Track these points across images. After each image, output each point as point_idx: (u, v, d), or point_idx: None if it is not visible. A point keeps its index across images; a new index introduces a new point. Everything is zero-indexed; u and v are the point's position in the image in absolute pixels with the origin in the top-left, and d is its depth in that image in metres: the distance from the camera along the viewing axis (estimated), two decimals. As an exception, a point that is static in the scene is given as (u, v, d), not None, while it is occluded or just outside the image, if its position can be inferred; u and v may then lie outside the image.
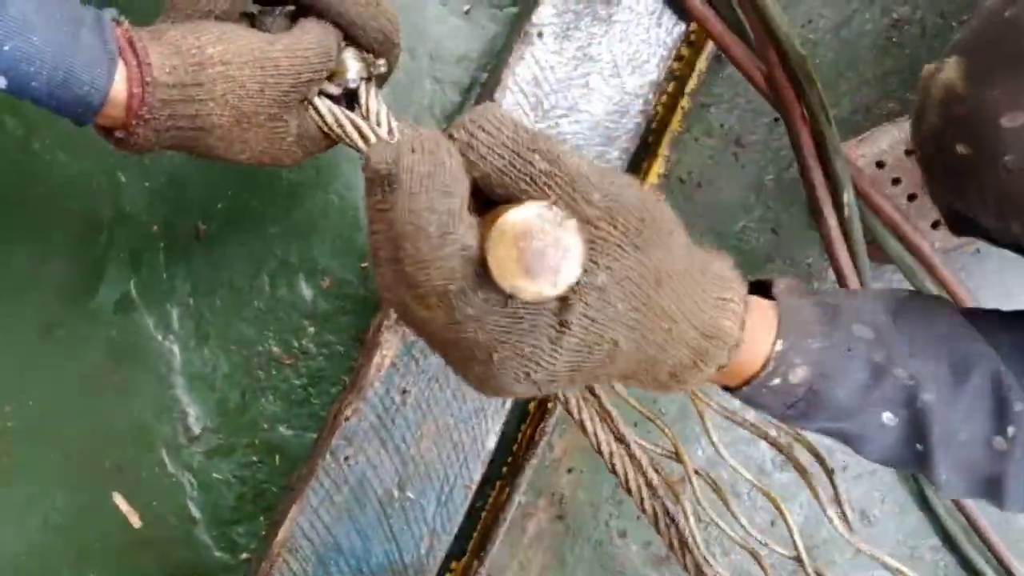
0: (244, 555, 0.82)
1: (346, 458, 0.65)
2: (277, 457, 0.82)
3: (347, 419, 0.65)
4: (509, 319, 0.40)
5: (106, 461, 0.80)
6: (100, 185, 0.82)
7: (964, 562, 0.91)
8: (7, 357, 0.80)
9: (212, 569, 0.82)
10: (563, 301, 0.41)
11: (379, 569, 0.65)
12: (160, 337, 0.83)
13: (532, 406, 0.73)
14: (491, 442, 0.66)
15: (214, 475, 0.82)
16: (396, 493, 0.65)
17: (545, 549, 0.86)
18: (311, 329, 0.83)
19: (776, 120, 0.91)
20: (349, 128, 0.64)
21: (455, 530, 0.66)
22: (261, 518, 0.81)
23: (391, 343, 0.66)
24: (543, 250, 0.38)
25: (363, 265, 0.86)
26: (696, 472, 0.75)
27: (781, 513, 0.78)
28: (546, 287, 0.38)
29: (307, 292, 0.84)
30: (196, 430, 0.81)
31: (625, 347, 0.43)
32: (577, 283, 0.40)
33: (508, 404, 0.66)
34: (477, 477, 0.66)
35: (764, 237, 0.91)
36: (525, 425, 0.71)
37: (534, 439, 0.72)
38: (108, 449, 0.80)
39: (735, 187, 0.91)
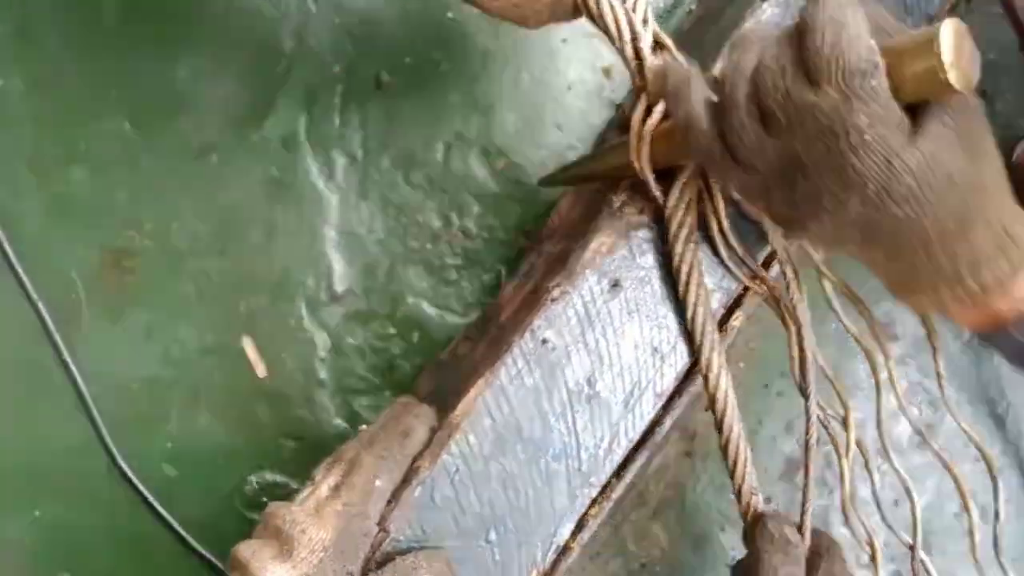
0: (363, 427, 0.77)
1: (544, 340, 0.59)
2: (416, 334, 0.74)
3: (553, 300, 0.60)
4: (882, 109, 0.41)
5: (241, 303, 0.71)
6: (288, 10, 0.71)
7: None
8: (155, 173, 0.70)
9: (328, 436, 0.73)
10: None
11: (555, 460, 0.60)
12: (321, 184, 0.73)
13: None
14: (688, 356, 0.61)
15: (349, 340, 0.73)
16: (586, 388, 0.60)
17: (668, 483, 0.81)
18: (476, 209, 0.74)
19: (983, 93, 0.86)
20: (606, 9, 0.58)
21: (637, 437, 0.61)
22: (388, 393, 0.73)
23: (611, 230, 0.60)
24: (972, 50, 0.41)
25: (542, 153, 0.79)
26: (857, 443, 0.72)
27: (910, 498, 0.74)
28: (962, 81, 0.40)
29: (479, 170, 0.75)
30: (339, 289, 0.73)
31: (954, 187, 0.43)
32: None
33: (714, 322, 0.61)
34: (670, 387, 0.61)
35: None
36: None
37: (697, 364, 0.68)
38: (245, 291, 0.71)
39: None
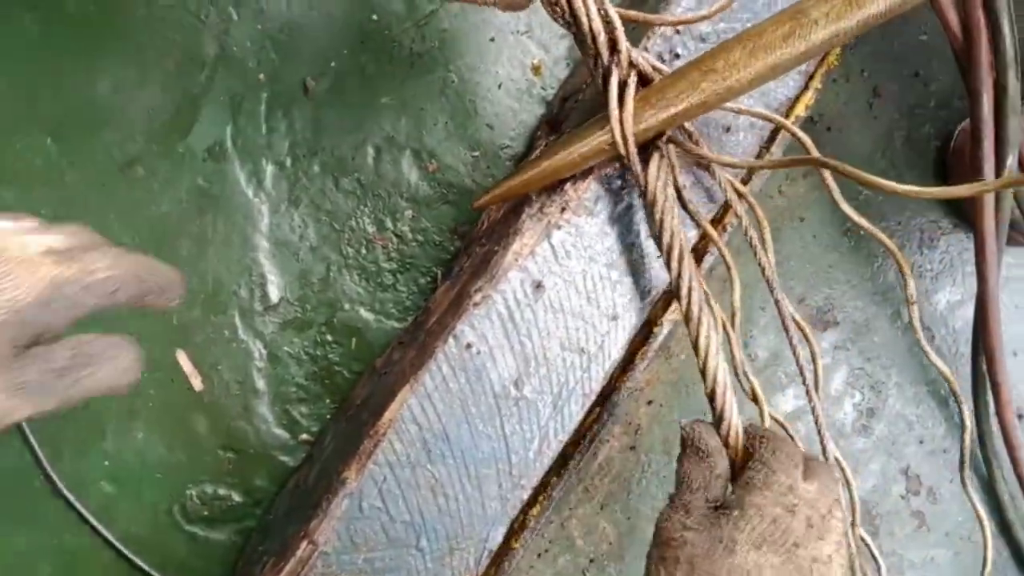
0: (303, 436, 0.74)
1: (468, 345, 0.58)
2: (354, 340, 0.72)
3: (475, 305, 0.58)
4: None
5: (174, 316, 0.69)
6: (209, 17, 0.69)
7: (1017, 553, 0.89)
8: (80, 188, 0.68)
9: (268, 445, 0.73)
10: None
11: (484, 465, 0.59)
12: (250, 193, 0.70)
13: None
14: (616, 354, 0.60)
15: (285, 349, 0.71)
16: (513, 391, 0.59)
17: (612, 477, 0.80)
18: (409, 213, 0.73)
19: (917, 75, 0.85)
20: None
21: (567, 438, 0.60)
22: (327, 400, 0.72)
23: (533, 232, 0.59)
24: None
25: (474, 154, 0.78)
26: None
27: (847, 482, 0.73)
28: None
29: (411, 173, 0.73)
30: (274, 298, 0.71)
31: None
32: None
33: (641, 317, 0.60)
34: (597, 387, 0.60)
35: (883, 194, 0.85)
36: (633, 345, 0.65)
37: (633, 361, 0.67)
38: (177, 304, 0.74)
39: (863, 138, 0.79)
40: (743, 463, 0.52)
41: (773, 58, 0.53)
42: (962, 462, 0.81)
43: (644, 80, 0.58)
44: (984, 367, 0.77)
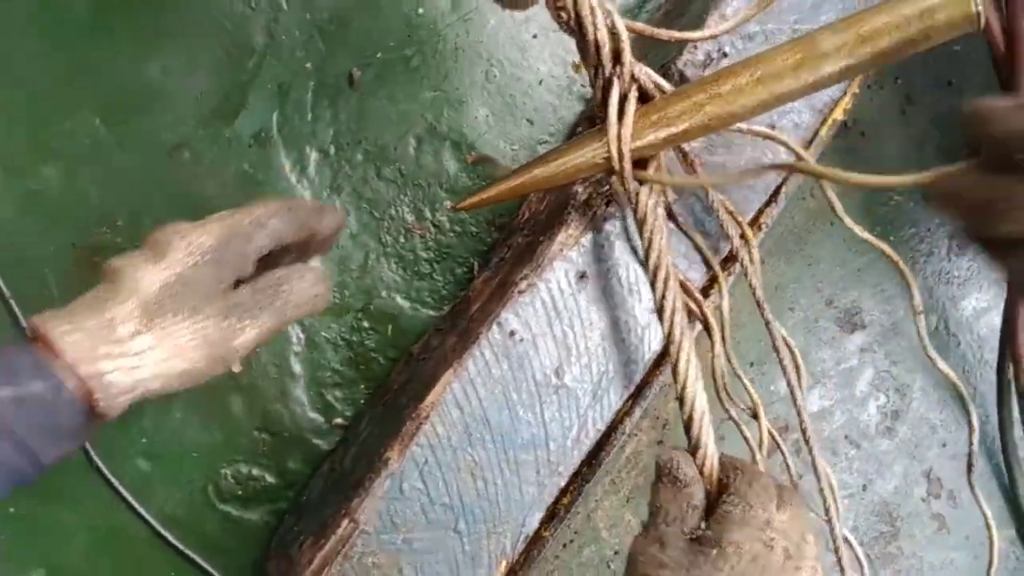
0: (338, 420, 0.75)
1: (511, 332, 0.59)
2: (390, 327, 0.73)
3: (520, 293, 0.59)
4: None
5: (214, 298, 0.74)
6: (260, 6, 0.70)
7: (1036, 559, 0.89)
8: (128, 170, 0.69)
9: (302, 429, 0.72)
10: None
11: (524, 451, 0.59)
12: (293, 179, 0.71)
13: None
14: (656, 346, 0.61)
15: (323, 334, 0.72)
16: (554, 379, 0.60)
17: (640, 470, 0.81)
18: (449, 203, 0.73)
19: (950, 84, 0.86)
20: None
21: (604, 427, 0.61)
22: (362, 386, 0.73)
23: (578, 223, 0.60)
24: None
25: (513, 148, 0.78)
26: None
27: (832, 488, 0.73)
28: None
29: (451, 164, 0.74)
30: (313, 283, 0.76)
31: None
32: None
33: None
34: (637, 379, 0.61)
35: (913, 201, 0.86)
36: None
37: (666, 356, 0.67)
38: None
39: (896, 144, 0.80)
40: (717, 494, 0.51)
41: (780, 88, 0.52)
42: (970, 465, 0.82)
43: (644, 96, 0.56)
44: (1010, 374, 0.77)
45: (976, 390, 0.84)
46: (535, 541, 0.64)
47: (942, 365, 0.76)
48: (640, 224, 0.54)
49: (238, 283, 0.50)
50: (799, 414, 0.63)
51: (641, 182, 0.56)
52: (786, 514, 0.50)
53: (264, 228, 0.51)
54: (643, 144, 0.54)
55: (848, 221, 0.64)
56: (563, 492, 0.64)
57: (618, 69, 0.55)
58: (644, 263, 0.55)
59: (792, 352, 0.64)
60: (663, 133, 0.54)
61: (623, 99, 0.55)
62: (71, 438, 0.47)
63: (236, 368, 0.70)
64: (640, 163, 0.56)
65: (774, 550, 0.48)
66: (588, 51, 0.55)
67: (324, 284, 0.53)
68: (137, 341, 0.47)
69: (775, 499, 0.50)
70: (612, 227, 0.59)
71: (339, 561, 0.56)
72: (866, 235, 0.64)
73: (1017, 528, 0.85)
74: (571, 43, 0.76)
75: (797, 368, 0.64)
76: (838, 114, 0.71)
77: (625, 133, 0.54)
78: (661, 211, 0.56)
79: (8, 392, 0.44)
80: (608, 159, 0.54)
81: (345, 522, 0.57)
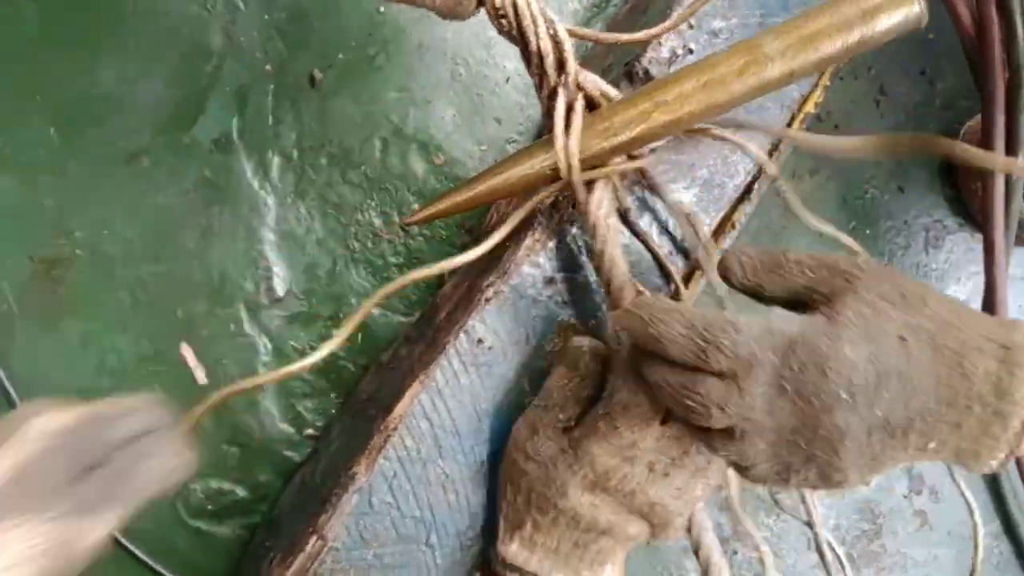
0: (308, 431, 0.74)
1: (479, 340, 0.58)
2: (360, 335, 0.71)
3: (487, 300, 0.58)
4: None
5: (178, 309, 0.68)
6: (215, 8, 0.68)
7: (1019, 551, 0.89)
8: (84, 179, 0.67)
9: (273, 440, 0.69)
10: None
11: (492, 461, 0.58)
12: (256, 185, 0.69)
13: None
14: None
15: (291, 343, 0.70)
16: (522, 387, 0.59)
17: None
18: (416, 206, 0.71)
19: (923, 73, 0.85)
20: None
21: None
22: (333, 395, 0.71)
23: (544, 227, 0.58)
24: None
25: (481, 148, 0.77)
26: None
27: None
28: None
29: (418, 166, 0.72)
30: (280, 292, 0.70)
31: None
32: None
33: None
34: (609, 385, 0.60)
35: (889, 193, 0.85)
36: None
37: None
38: (181, 297, 0.68)
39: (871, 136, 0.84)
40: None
41: (726, 93, 0.52)
42: None
43: (591, 104, 0.55)
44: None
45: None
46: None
47: None
48: (592, 234, 0.54)
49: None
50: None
51: (590, 189, 0.55)
52: (663, 438, 0.48)
53: (132, 417, 0.45)
54: (591, 154, 0.54)
55: (805, 216, 0.62)
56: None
57: (563, 78, 0.54)
58: (598, 271, 0.54)
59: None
60: (611, 141, 0.53)
61: (569, 108, 0.54)
62: None
63: (201, 380, 0.69)
64: (590, 171, 0.55)
65: (635, 464, 0.47)
66: (531, 60, 0.54)
67: (184, 453, 0.47)
68: None
69: (654, 420, 0.47)
70: (578, 231, 0.58)
71: (308, 579, 0.55)
72: (824, 227, 0.63)
73: (1001, 522, 0.84)
74: (538, 40, 0.75)
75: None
76: (809, 107, 0.69)
77: (572, 143, 0.53)
78: (613, 220, 0.55)
79: None
80: (556, 169, 0.53)
81: (313, 539, 0.55)
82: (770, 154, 0.65)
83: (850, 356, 0.40)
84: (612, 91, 0.55)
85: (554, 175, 0.54)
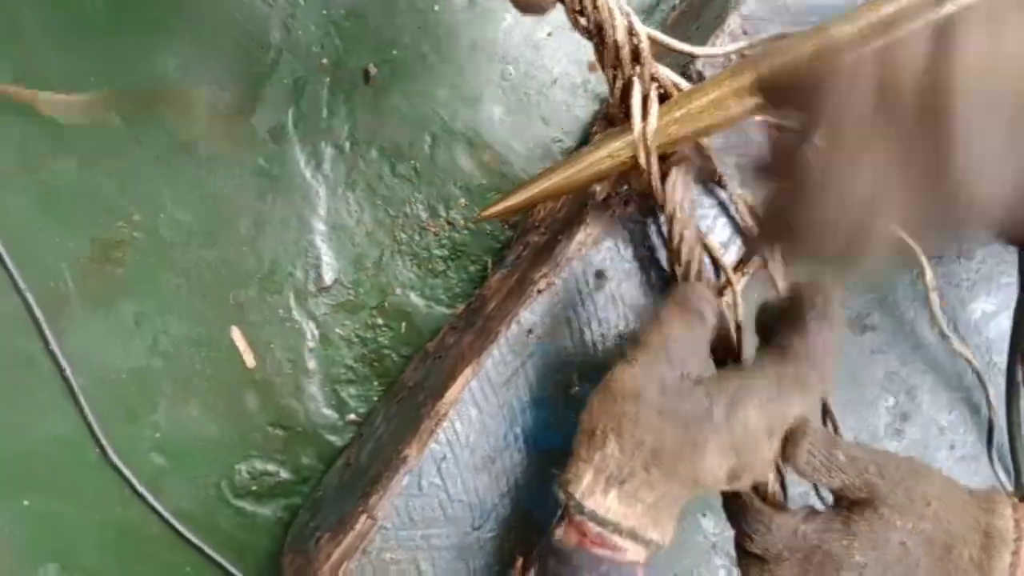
0: (351, 416, 0.75)
1: (529, 331, 0.59)
2: (403, 324, 0.73)
3: (539, 291, 0.60)
4: None
5: (229, 294, 0.70)
6: (277, 2, 0.70)
7: None
8: (143, 164, 0.69)
9: (316, 425, 0.72)
10: None
11: (537, 449, 0.60)
12: (309, 175, 0.72)
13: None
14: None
15: (337, 330, 0.72)
16: (573, 378, 0.60)
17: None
18: (463, 201, 0.74)
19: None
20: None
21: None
22: (375, 383, 0.73)
23: (596, 223, 0.60)
24: None
25: (528, 146, 0.78)
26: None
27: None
28: None
29: (466, 162, 0.74)
30: (327, 280, 0.72)
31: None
32: None
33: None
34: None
35: (923, 203, 0.86)
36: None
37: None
38: (233, 282, 0.71)
39: None
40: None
41: None
42: (990, 439, 0.83)
43: (664, 95, 0.56)
44: (1020, 376, 0.78)
45: (986, 392, 0.85)
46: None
47: (958, 345, 0.76)
48: (670, 220, 0.55)
49: None
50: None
51: (664, 178, 0.56)
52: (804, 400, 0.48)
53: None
54: (667, 141, 0.54)
55: None
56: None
57: (638, 69, 0.55)
58: (677, 258, 0.55)
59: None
60: (687, 128, 0.54)
61: (645, 98, 0.55)
62: None
63: (250, 363, 0.71)
64: (661, 160, 0.56)
65: (775, 432, 0.48)
66: (607, 53, 0.55)
67: None
68: None
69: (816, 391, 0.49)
70: (631, 226, 0.59)
71: (357, 557, 0.56)
72: None
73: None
74: (585, 42, 0.76)
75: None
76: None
77: (650, 130, 0.54)
78: (688, 206, 0.56)
79: None
80: (633, 158, 0.54)
81: (363, 518, 0.57)
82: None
83: (859, 560, 0.49)
84: (684, 83, 0.56)
85: (632, 163, 0.55)
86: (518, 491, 0.59)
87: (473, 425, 0.58)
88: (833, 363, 0.48)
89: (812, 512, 0.51)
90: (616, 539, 0.48)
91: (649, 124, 0.54)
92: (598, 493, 0.48)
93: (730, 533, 0.71)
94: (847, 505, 0.51)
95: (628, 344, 0.48)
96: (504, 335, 0.58)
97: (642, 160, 0.54)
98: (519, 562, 0.57)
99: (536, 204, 0.57)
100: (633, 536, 0.48)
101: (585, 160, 0.55)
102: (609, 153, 0.55)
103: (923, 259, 0.63)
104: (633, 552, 0.49)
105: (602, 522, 0.47)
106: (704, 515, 0.80)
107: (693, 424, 0.45)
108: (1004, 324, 0.83)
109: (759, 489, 0.53)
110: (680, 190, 0.54)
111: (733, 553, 0.61)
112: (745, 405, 0.46)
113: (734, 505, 0.52)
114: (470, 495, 0.58)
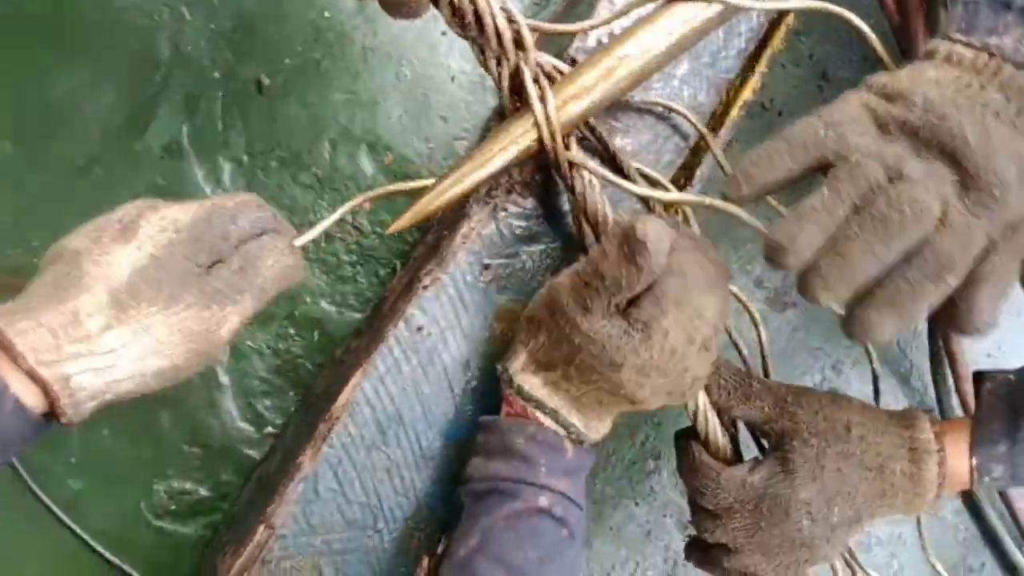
0: (269, 429, 0.74)
1: (419, 328, 0.59)
2: (316, 332, 0.73)
3: (425, 288, 0.59)
4: None
5: (135, 313, 0.74)
6: (162, 19, 0.70)
7: (982, 525, 0.89)
8: (41, 189, 0.69)
9: (233, 439, 0.71)
10: None
11: (437, 445, 0.59)
12: (208, 190, 0.70)
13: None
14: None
15: (248, 343, 0.71)
16: (463, 372, 0.60)
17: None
18: (367, 205, 0.73)
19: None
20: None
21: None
22: (291, 393, 0.72)
23: (479, 215, 0.60)
24: None
25: (429, 146, 0.79)
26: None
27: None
28: None
29: (367, 166, 0.74)
30: (235, 293, 0.75)
31: None
32: None
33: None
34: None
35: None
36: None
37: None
38: None
39: None
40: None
41: (686, 32, 0.55)
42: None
43: (549, 79, 0.56)
44: (940, 342, 0.77)
45: (912, 364, 0.85)
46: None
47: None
48: (581, 198, 0.55)
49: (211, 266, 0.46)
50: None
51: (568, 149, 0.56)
52: (715, 297, 0.50)
53: (247, 212, 0.48)
54: (569, 120, 0.55)
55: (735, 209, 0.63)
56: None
57: (522, 55, 0.55)
58: (593, 230, 0.55)
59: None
60: (582, 104, 0.55)
61: (535, 80, 0.55)
62: (14, 446, 0.42)
63: (221, 359, 0.69)
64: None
65: (694, 343, 0.49)
66: (489, 43, 0.55)
67: (296, 252, 0.50)
68: (108, 337, 0.42)
69: (717, 288, 0.50)
70: (514, 213, 0.59)
71: (257, 567, 0.56)
72: (773, 202, 0.63)
73: (963, 501, 0.85)
74: (480, 38, 0.76)
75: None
76: (747, 94, 0.71)
77: (551, 111, 0.54)
78: (597, 182, 0.56)
79: None
80: (538, 140, 0.55)
81: (261, 528, 0.56)
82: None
83: (804, 496, 0.52)
84: (564, 66, 0.57)
85: (537, 147, 0.55)
86: (419, 489, 0.59)
87: (368, 425, 0.57)
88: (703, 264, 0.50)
89: (757, 463, 0.54)
90: (538, 415, 0.52)
91: (548, 103, 0.54)
92: (528, 373, 0.52)
93: (666, 520, 0.73)
94: (776, 442, 0.54)
95: (578, 258, 0.51)
96: (392, 334, 0.57)
97: (548, 142, 0.54)
98: (425, 561, 0.56)
99: (446, 210, 0.56)
100: (555, 417, 0.52)
101: (488, 154, 0.55)
102: (512, 140, 0.55)
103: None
104: (547, 423, 0.52)
105: (527, 398, 0.52)
106: (637, 504, 0.80)
107: (611, 346, 0.47)
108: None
109: (709, 447, 0.56)
110: (584, 160, 0.55)
111: (667, 541, 0.62)
112: (659, 321, 0.47)
113: (685, 462, 0.56)
114: (370, 497, 0.58)
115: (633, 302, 0.49)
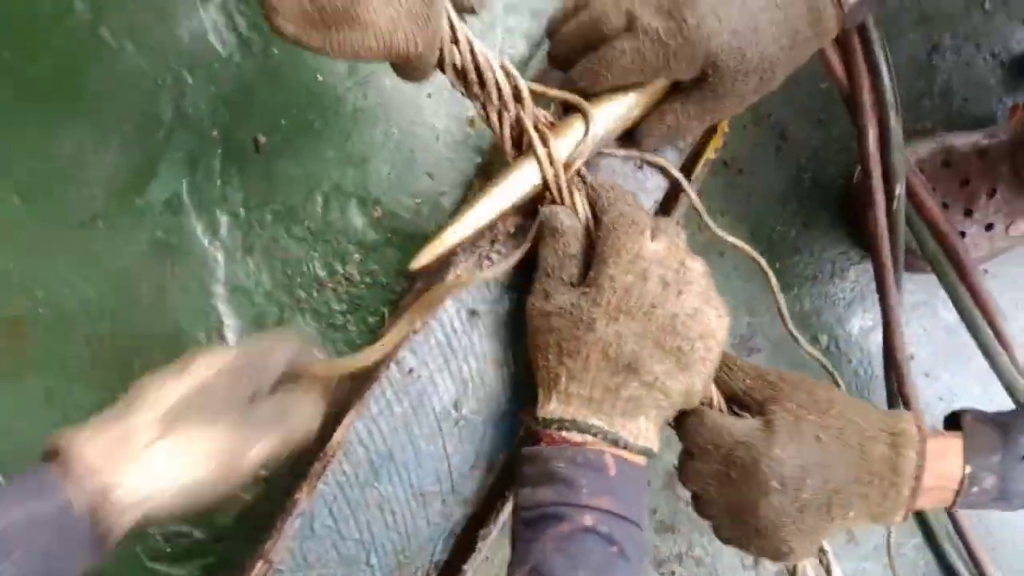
0: (262, 472, 0.78)
1: (410, 370, 0.62)
2: (306, 378, 0.80)
3: (415, 332, 0.63)
4: None
5: (136, 362, 0.73)
6: (164, 82, 0.74)
7: (942, 562, 0.93)
8: (45, 242, 0.72)
9: None
10: None
11: (428, 483, 0.62)
12: (206, 243, 0.75)
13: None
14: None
15: (242, 388, 0.79)
16: (453, 412, 0.63)
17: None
18: (357, 256, 0.78)
19: (820, 120, 0.92)
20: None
21: (507, 455, 0.64)
22: (283, 437, 0.79)
23: (466, 264, 0.64)
24: None
25: (416, 201, 0.83)
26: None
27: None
28: None
29: (358, 220, 0.78)
30: (231, 342, 0.75)
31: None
32: None
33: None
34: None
35: (795, 230, 0.91)
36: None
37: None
38: (139, 351, 0.73)
39: (774, 179, 0.86)
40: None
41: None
42: None
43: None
44: (895, 385, 0.82)
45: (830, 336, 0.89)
46: (451, 573, 0.67)
47: (804, 344, 0.77)
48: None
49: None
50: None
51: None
52: (661, 243, 0.54)
53: (284, 351, 0.55)
54: (570, 161, 0.59)
55: (712, 225, 0.67)
56: (478, 523, 0.67)
57: (520, 106, 0.60)
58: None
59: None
60: (589, 145, 0.59)
61: (536, 127, 0.59)
62: (88, 552, 0.48)
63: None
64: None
65: (648, 279, 0.52)
66: (490, 97, 0.59)
67: (318, 416, 0.57)
68: (152, 450, 0.49)
69: (647, 230, 0.54)
70: (497, 262, 0.63)
71: (255, 602, 0.58)
72: (730, 238, 0.68)
73: (924, 534, 0.89)
74: (465, 101, 0.81)
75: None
76: (709, 154, 0.76)
77: (555, 153, 0.58)
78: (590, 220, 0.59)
79: (18, 513, 0.45)
80: (543, 184, 0.59)
81: (259, 563, 0.59)
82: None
83: (779, 455, 0.53)
84: (550, 116, 0.61)
85: (540, 188, 0.59)
86: (408, 525, 0.62)
87: (361, 464, 0.60)
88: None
89: (742, 418, 0.57)
90: (565, 434, 0.54)
91: (551, 147, 0.58)
92: (545, 404, 0.55)
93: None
94: (757, 410, 0.56)
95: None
96: (385, 376, 0.61)
97: (552, 183, 0.58)
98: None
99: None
100: (576, 426, 0.54)
101: (497, 197, 0.59)
102: (522, 184, 0.59)
103: (765, 266, 0.67)
104: (586, 439, 0.54)
105: (549, 423, 0.54)
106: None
107: (576, 309, 0.53)
108: (880, 337, 0.87)
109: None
110: (585, 206, 0.59)
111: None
112: (603, 271, 0.53)
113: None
114: (363, 532, 0.61)
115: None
